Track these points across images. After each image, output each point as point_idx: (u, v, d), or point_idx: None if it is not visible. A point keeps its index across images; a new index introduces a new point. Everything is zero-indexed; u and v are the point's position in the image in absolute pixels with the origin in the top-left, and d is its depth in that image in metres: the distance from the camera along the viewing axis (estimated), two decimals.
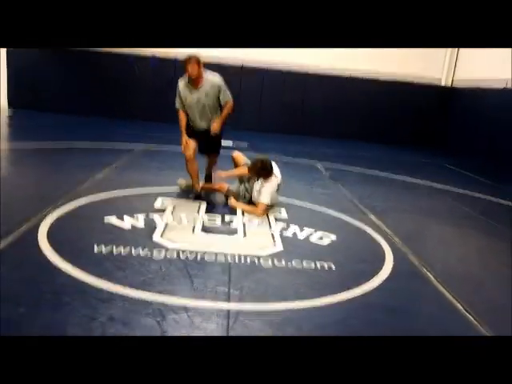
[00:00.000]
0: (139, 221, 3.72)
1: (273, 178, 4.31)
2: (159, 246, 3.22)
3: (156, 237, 3.41)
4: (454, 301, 2.86)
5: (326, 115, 11.00)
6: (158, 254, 3.08)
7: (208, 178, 4.87)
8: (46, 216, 3.57)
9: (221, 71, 4.52)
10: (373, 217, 4.53)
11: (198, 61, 4.14)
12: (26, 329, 2.11)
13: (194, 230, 3.66)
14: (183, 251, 3.16)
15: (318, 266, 3.17)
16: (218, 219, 4.00)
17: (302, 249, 3.49)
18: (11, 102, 10.50)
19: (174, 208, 4.17)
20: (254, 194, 4.37)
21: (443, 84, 11.16)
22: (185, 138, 4.42)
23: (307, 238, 3.74)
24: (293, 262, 3.18)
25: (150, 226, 3.62)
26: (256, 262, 3.13)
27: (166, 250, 3.17)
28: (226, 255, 3.18)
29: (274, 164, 4.39)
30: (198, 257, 3.11)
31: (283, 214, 4.34)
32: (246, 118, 10.51)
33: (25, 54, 9.92)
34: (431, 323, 2.61)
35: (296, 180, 5.91)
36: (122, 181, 4.99)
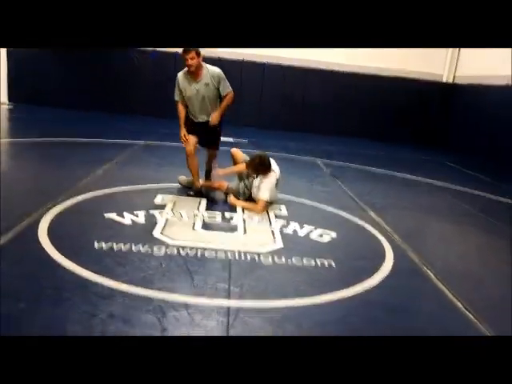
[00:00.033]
0: (139, 217, 3.72)
1: (271, 173, 4.31)
2: (159, 243, 3.22)
3: (156, 233, 3.41)
4: (454, 298, 2.86)
5: (326, 112, 10.97)
6: (158, 251, 3.08)
7: (208, 174, 4.87)
8: (46, 211, 3.57)
9: (221, 66, 4.50)
10: (373, 214, 4.53)
11: (197, 52, 4.12)
12: (25, 325, 2.11)
13: (194, 227, 3.65)
14: (183, 248, 3.16)
15: (318, 263, 3.17)
16: (218, 216, 4.00)
17: (302, 246, 3.49)
18: (10, 95, 10.47)
19: (174, 204, 4.16)
20: (254, 190, 4.37)
21: (445, 80, 11.12)
22: (183, 130, 4.41)
23: (307, 235, 3.74)
24: (293, 259, 3.18)
25: (151, 223, 3.62)
26: (256, 258, 3.14)
27: (167, 246, 3.17)
28: (226, 252, 3.19)
29: (272, 160, 4.39)
30: (199, 253, 3.11)
31: (283, 211, 4.33)
32: (246, 115, 10.49)
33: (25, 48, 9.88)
34: (431, 321, 2.62)
35: (296, 177, 5.91)
36: (122, 176, 4.99)
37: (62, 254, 2.85)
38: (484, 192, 6.22)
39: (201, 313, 2.37)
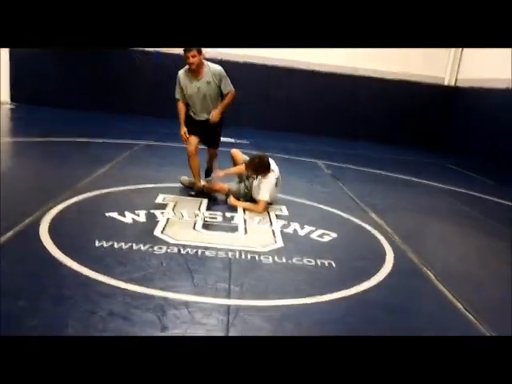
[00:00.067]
0: (141, 216, 3.72)
1: (270, 174, 4.31)
2: (160, 242, 3.23)
3: (157, 232, 3.41)
4: (454, 300, 2.86)
5: (327, 113, 10.97)
6: (158, 250, 3.08)
7: (208, 172, 4.88)
8: (47, 210, 3.58)
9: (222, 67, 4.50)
10: (373, 215, 4.53)
11: (198, 50, 4.12)
12: (26, 323, 2.11)
13: (195, 226, 3.66)
14: (184, 247, 3.17)
15: (319, 263, 3.18)
16: (219, 216, 4.01)
17: (302, 246, 3.50)
18: (11, 95, 10.47)
19: (175, 204, 4.17)
20: (254, 191, 4.37)
21: (446, 83, 11.13)
22: (183, 128, 4.42)
23: (308, 235, 3.75)
24: (293, 259, 3.19)
25: (152, 222, 3.63)
26: (256, 258, 3.14)
27: (167, 245, 3.18)
28: (226, 251, 3.19)
29: (271, 160, 4.39)
30: (199, 253, 3.11)
31: (284, 211, 4.34)
32: (247, 116, 10.48)
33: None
34: (431, 322, 2.62)
35: (297, 178, 5.91)
36: (123, 176, 4.99)
37: (63, 253, 2.85)
38: (484, 194, 6.22)
39: (201, 311, 2.37)
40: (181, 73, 4.37)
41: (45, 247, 2.92)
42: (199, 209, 4.14)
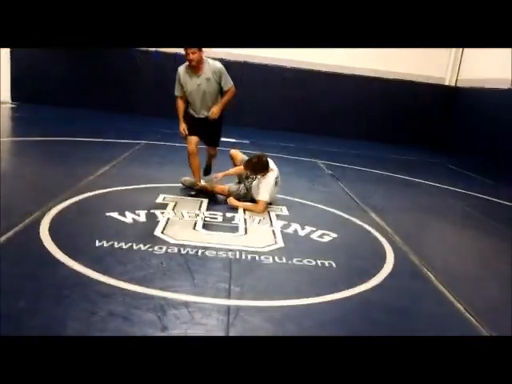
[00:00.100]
0: (141, 216, 3.72)
1: (269, 173, 4.30)
2: (160, 242, 3.22)
3: (157, 232, 3.41)
4: (454, 300, 2.86)
5: (328, 113, 10.97)
6: (159, 250, 3.08)
7: (207, 170, 4.87)
8: (47, 210, 3.58)
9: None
10: (374, 215, 4.53)
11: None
12: (26, 323, 2.11)
13: (195, 227, 3.66)
14: (184, 247, 3.17)
15: (319, 263, 3.18)
16: (219, 216, 4.01)
17: (302, 246, 3.50)
18: (12, 95, 10.48)
19: (175, 204, 4.17)
20: (253, 191, 4.37)
21: (447, 83, 11.13)
22: (183, 124, 4.42)
23: (308, 235, 3.75)
24: (294, 259, 3.19)
25: (152, 222, 3.63)
26: (257, 258, 3.14)
27: (167, 245, 3.18)
28: (226, 251, 3.19)
29: (270, 160, 4.38)
30: (199, 253, 3.11)
31: (284, 211, 4.34)
32: (247, 115, 10.49)
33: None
34: (431, 322, 2.62)
35: (297, 178, 5.92)
36: (124, 176, 4.99)
37: (63, 253, 2.85)
38: (485, 194, 6.22)
39: (201, 311, 2.37)
40: (181, 69, 4.37)
41: (45, 247, 2.92)
42: (199, 209, 4.14)
